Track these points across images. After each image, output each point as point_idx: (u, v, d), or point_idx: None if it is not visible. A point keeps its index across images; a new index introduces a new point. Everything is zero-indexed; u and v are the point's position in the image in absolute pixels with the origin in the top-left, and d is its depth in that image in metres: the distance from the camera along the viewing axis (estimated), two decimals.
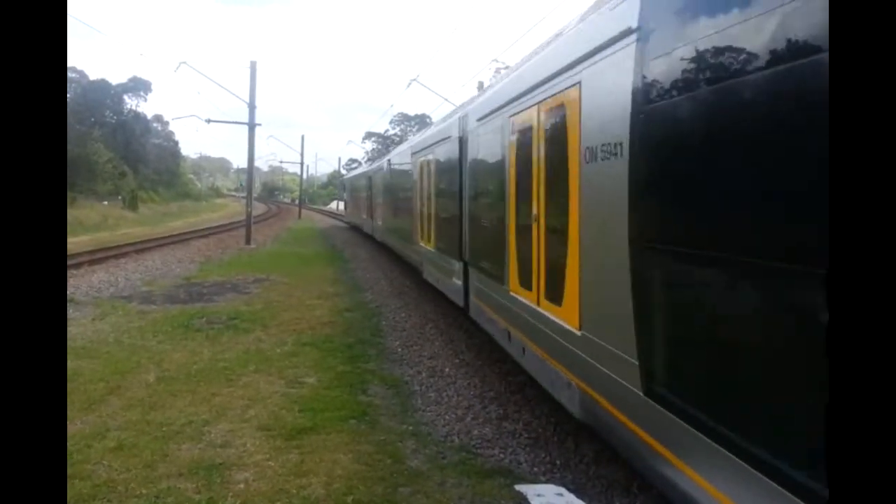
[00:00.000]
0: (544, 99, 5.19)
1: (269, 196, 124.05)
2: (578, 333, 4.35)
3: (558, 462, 5.06)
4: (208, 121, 29.42)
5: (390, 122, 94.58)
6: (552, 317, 4.95)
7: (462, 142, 8.74)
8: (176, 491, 4.25)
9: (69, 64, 68.91)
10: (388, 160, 19.40)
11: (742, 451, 2.50)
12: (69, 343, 8.15)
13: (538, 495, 4.19)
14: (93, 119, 56.30)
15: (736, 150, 2.62)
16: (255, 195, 37.01)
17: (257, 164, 46.78)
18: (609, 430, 3.93)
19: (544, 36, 5.81)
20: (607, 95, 3.85)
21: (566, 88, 4.64)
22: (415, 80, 28.72)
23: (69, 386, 6.33)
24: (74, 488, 4.23)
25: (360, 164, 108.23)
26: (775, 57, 2.38)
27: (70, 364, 7.15)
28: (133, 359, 7.51)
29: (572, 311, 4.48)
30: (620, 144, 3.60)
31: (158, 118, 71.06)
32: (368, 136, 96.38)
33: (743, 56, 2.58)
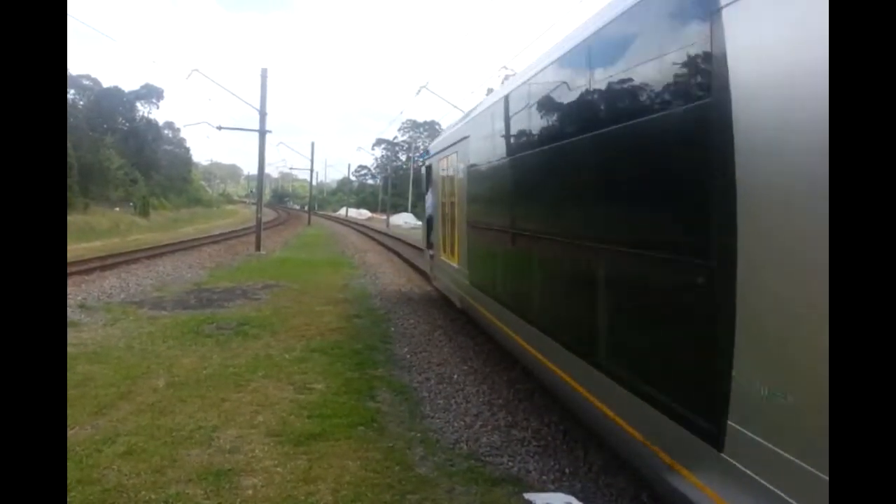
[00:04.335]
0: None
1: (279, 202, 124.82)
2: None
3: (567, 470, 5.03)
4: (219, 128, 29.51)
5: (399, 129, 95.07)
6: None
7: None
8: (185, 496, 4.26)
9: (83, 71, 69.91)
10: None
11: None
12: (81, 348, 8.22)
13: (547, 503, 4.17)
14: (105, 126, 56.89)
15: None
16: (264, 201, 36.43)
17: (267, 170, 45.07)
18: None
19: (552, 42, 5.76)
20: None
21: None
22: (424, 86, 28.80)
23: (80, 391, 6.38)
24: (84, 493, 4.25)
25: (368, 170, 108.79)
26: None
27: (81, 369, 7.21)
28: (143, 364, 7.55)
29: None
30: None
31: (170, 125, 71.78)
32: (378, 142, 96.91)
33: None
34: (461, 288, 9.31)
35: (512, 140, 6.60)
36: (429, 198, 12.78)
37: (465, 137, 8.66)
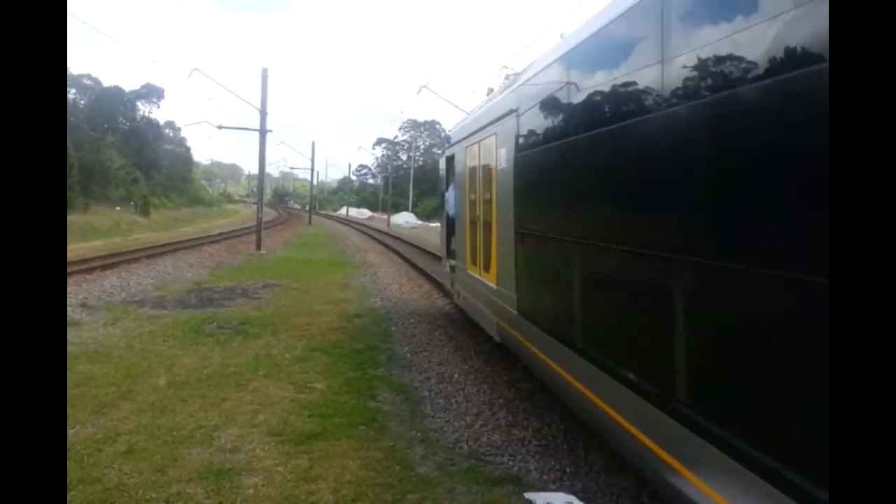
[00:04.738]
0: None
1: (280, 202, 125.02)
2: None
3: (568, 470, 5.03)
4: (220, 127, 29.57)
5: (400, 129, 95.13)
6: None
7: None
8: (186, 496, 4.26)
9: (84, 71, 69.96)
10: None
11: None
12: (82, 347, 8.22)
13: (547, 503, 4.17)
14: (106, 125, 56.97)
15: None
16: (265, 201, 36.29)
17: (268, 170, 44.91)
18: None
19: (553, 42, 5.70)
20: None
21: None
22: (425, 86, 28.87)
23: (81, 390, 6.39)
24: (85, 492, 4.25)
25: (369, 169, 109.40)
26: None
27: (82, 368, 7.21)
28: (144, 363, 7.55)
29: None
30: None
31: (171, 124, 71.91)
32: (379, 142, 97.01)
33: None
34: (502, 316, 6.88)
35: (617, 100, 3.97)
36: (450, 196, 10.27)
37: (512, 112, 6.27)
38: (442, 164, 11.40)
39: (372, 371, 7.58)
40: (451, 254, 10.41)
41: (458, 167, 9.61)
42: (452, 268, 10.19)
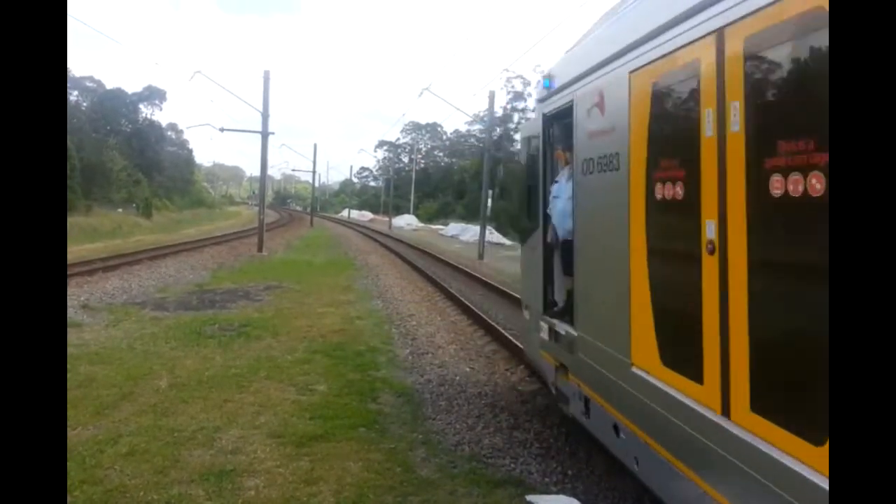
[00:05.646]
0: None
1: (282, 204, 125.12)
2: None
3: (569, 473, 5.03)
4: (222, 129, 29.69)
5: (402, 131, 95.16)
6: None
7: None
8: (187, 497, 4.26)
9: (87, 73, 70.01)
10: None
11: None
12: (83, 349, 8.23)
13: None
14: (108, 127, 57.10)
15: None
16: (267, 203, 36.35)
17: (270, 172, 44.91)
18: None
19: (555, 46, 5.48)
20: None
21: None
22: (427, 89, 28.93)
23: (82, 391, 6.40)
24: (86, 493, 4.26)
25: (370, 172, 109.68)
26: None
27: (83, 369, 7.22)
28: (146, 365, 7.56)
29: None
30: None
31: (173, 126, 72.00)
32: (381, 144, 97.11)
33: None
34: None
35: None
36: (560, 191, 5.34)
37: None
38: (531, 134, 6.28)
39: (373, 373, 7.58)
40: (553, 310, 5.58)
41: (585, 129, 4.72)
42: (556, 337, 5.28)
